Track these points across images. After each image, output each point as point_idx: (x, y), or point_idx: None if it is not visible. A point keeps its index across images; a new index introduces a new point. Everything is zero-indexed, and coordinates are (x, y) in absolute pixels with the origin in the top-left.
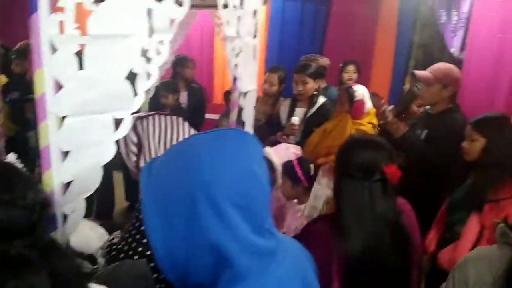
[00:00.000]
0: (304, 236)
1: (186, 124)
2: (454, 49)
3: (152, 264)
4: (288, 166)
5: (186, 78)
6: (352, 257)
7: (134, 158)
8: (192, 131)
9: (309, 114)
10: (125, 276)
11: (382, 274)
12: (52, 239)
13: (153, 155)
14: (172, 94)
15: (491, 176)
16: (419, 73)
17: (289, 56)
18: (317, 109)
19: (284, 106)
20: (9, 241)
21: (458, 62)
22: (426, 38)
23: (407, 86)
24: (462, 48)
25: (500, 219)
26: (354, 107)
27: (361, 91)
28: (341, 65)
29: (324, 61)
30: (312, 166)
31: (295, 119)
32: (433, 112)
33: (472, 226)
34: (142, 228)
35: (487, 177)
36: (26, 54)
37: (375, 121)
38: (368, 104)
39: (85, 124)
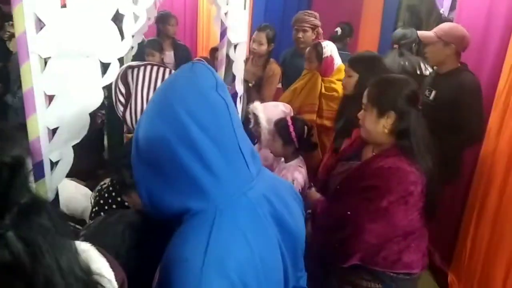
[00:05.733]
0: (385, 171)
1: None
2: (444, 9)
3: None
4: (281, 124)
5: (169, 35)
6: (428, 176)
7: (121, 109)
8: None
9: None
10: (116, 223)
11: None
12: (30, 201)
13: (139, 106)
14: (159, 52)
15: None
16: (422, 33)
17: (275, 14)
18: None
19: None
20: None
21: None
22: None
23: None
24: (452, 8)
25: None
26: (324, 64)
27: (329, 47)
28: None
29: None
30: (305, 127)
31: None
32: (441, 72)
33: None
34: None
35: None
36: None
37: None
38: (337, 61)
39: (70, 67)
